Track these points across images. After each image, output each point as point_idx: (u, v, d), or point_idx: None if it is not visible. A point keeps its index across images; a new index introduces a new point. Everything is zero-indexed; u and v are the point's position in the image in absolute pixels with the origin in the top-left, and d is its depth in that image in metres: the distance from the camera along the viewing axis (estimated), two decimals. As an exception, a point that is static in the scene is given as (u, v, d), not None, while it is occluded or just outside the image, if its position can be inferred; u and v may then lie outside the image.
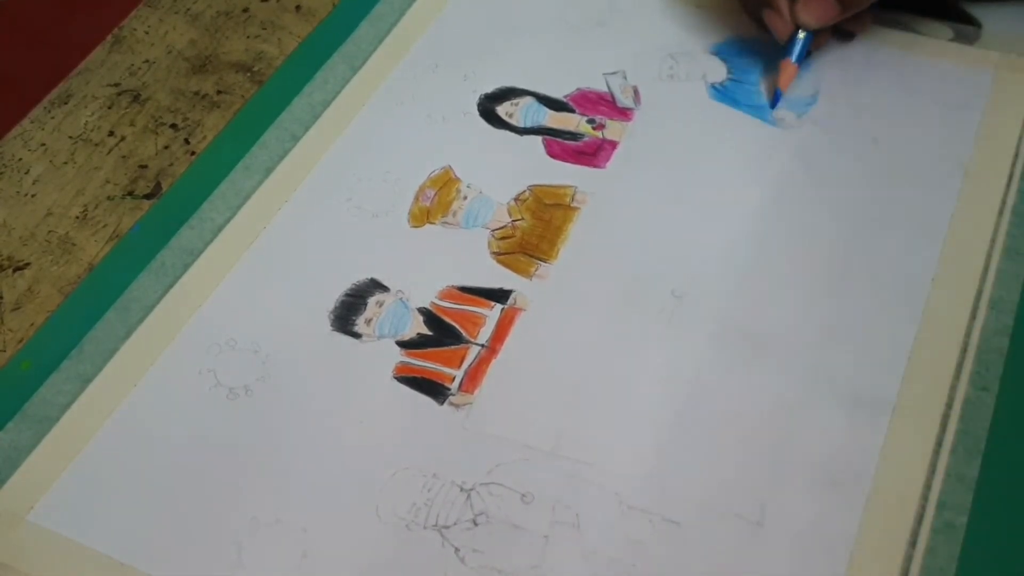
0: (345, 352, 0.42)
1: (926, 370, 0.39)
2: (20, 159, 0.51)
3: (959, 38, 0.50)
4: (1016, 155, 0.45)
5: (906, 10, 0.51)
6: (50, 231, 0.48)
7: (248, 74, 0.54)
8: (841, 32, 0.50)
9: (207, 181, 0.48)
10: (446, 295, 0.43)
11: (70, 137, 0.52)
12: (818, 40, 0.49)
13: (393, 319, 0.43)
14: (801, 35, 0.47)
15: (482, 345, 0.42)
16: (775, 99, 0.48)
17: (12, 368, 0.43)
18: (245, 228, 0.46)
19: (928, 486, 0.36)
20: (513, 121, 0.49)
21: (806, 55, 0.48)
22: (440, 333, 0.42)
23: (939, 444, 0.37)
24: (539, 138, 0.49)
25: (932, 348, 0.40)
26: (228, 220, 0.46)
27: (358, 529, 0.37)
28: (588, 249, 0.45)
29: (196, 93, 0.53)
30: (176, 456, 0.39)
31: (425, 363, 0.41)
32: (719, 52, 0.51)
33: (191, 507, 0.38)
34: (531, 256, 0.44)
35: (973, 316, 0.41)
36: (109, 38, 0.56)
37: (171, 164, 0.50)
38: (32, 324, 0.44)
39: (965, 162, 0.45)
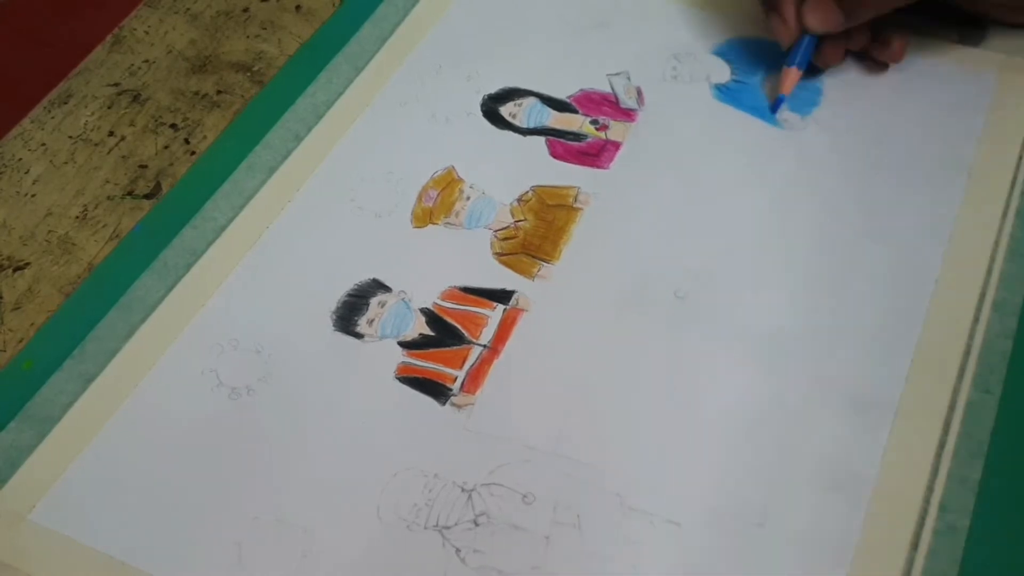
0: (347, 352, 0.42)
1: (929, 372, 0.39)
2: (20, 159, 0.51)
3: (963, 40, 0.50)
4: (1020, 157, 0.45)
5: (910, 12, 0.51)
6: (50, 231, 0.48)
7: (248, 74, 0.54)
8: (874, 61, 0.49)
9: (209, 181, 0.48)
10: (448, 295, 0.43)
11: (70, 137, 0.52)
12: (829, 58, 0.48)
13: (395, 319, 0.43)
14: (805, 40, 0.47)
15: (484, 346, 0.42)
16: (776, 103, 0.48)
17: (13, 368, 0.43)
18: (248, 228, 0.46)
19: (930, 488, 0.36)
20: (516, 122, 0.49)
21: (808, 64, 0.48)
22: (442, 333, 0.42)
23: (941, 446, 0.37)
24: (542, 139, 0.49)
25: (935, 350, 0.40)
26: (231, 220, 0.46)
27: (359, 529, 0.37)
28: (591, 250, 0.44)
29: (196, 93, 0.53)
30: (178, 456, 0.39)
31: (427, 363, 0.41)
32: (723, 53, 0.51)
33: (192, 507, 0.38)
34: (533, 257, 0.44)
35: (976, 318, 0.40)
36: (109, 38, 0.56)
37: (171, 164, 0.50)
38: (32, 324, 0.44)
39: (969, 164, 0.45)
